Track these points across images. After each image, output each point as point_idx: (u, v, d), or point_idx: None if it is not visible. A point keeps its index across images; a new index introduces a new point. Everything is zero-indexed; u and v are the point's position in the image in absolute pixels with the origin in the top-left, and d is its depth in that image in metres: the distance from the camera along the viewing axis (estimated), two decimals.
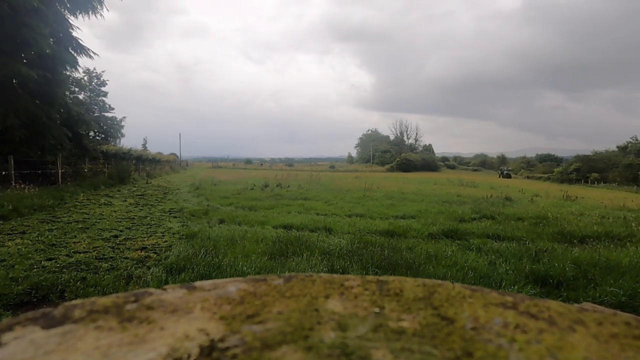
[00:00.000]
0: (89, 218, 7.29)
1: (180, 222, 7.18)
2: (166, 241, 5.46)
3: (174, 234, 6.04)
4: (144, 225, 6.79)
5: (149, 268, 4.12)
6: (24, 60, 12.13)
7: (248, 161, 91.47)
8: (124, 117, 34.94)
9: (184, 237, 5.71)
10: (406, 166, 68.39)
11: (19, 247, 4.82)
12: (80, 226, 6.40)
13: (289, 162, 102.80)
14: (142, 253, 4.74)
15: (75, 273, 3.79)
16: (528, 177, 64.42)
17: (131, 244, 5.24)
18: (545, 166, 73.91)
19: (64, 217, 7.34)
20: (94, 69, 31.57)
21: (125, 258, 4.48)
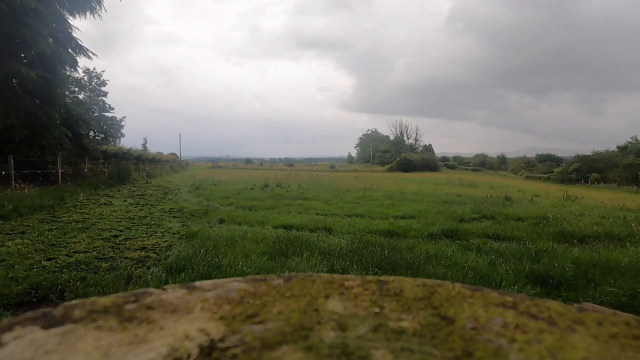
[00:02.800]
0: (89, 218, 7.29)
1: (180, 222, 7.18)
2: (166, 241, 5.46)
3: (174, 233, 6.04)
4: (144, 225, 6.79)
5: (149, 268, 4.12)
6: (24, 60, 12.12)
7: (248, 161, 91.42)
8: (124, 117, 35.00)
9: (184, 237, 5.71)
10: (406, 166, 68.36)
11: (19, 247, 4.81)
12: (80, 226, 6.40)
13: (289, 162, 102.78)
14: (142, 253, 4.74)
15: (75, 273, 3.79)
16: (528, 177, 64.43)
17: (131, 243, 5.24)
18: (545, 166, 73.96)
19: (64, 217, 7.34)
20: (94, 68, 31.64)
21: (125, 258, 4.48)
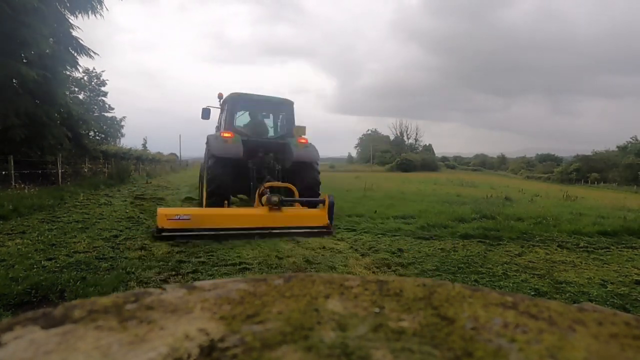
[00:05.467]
0: (89, 218, 7.28)
1: None
2: None
3: None
4: (144, 224, 6.78)
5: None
6: (24, 60, 12.11)
7: None
8: (124, 117, 35.02)
9: None
10: (406, 166, 68.32)
11: (19, 247, 4.81)
12: (80, 226, 6.39)
13: None
14: (142, 253, 4.74)
15: (75, 273, 3.78)
16: (528, 177, 64.44)
17: (131, 244, 5.23)
18: (545, 166, 73.93)
19: (64, 216, 7.33)
20: (94, 68, 31.63)
21: (125, 258, 4.47)
